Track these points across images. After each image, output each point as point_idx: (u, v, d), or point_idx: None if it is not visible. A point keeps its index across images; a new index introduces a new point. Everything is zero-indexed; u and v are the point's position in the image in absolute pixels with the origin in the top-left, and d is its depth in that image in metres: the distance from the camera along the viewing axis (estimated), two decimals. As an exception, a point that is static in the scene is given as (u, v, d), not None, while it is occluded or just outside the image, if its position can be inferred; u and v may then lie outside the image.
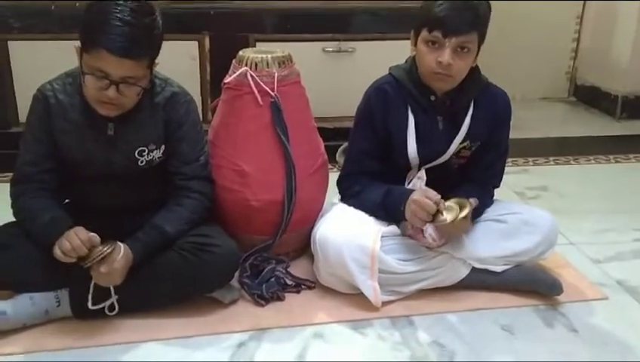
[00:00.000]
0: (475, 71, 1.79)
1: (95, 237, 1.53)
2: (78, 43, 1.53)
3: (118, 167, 1.68)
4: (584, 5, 3.90)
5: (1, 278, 1.62)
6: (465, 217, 1.66)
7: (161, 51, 1.61)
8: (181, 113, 1.71)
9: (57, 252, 1.51)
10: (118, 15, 1.47)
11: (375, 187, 1.81)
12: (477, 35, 1.68)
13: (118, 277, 1.54)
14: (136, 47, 1.49)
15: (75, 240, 1.50)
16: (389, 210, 1.77)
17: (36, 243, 1.59)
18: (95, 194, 1.73)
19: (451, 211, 1.66)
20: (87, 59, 1.51)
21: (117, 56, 1.47)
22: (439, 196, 1.67)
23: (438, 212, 1.65)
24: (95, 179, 1.69)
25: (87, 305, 1.58)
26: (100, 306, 1.60)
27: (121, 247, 1.55)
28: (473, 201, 1.71)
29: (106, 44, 1.47)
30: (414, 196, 1.68)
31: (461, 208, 1.68)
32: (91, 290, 1.57)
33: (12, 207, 1.67)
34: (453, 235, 1.77)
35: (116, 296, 1.60)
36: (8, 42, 2.62)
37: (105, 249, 1.51)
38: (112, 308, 1.61)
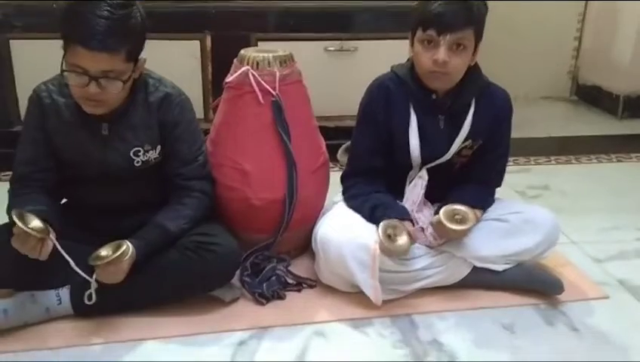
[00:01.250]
0: (475, 70, 1.78)
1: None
2: None
3: (114, 167, 1.68)
4: (586, 5, 3.90)
5: (2, 276, 1.61)
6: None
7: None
8: (175, 113, 1.70)
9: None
10: (93, 10, 1.46)
11: (364, 200, 1.80)
12: (472, 31, 1.67)
13: (121, 275, 1.55)
14: (110, 40, 1.47)
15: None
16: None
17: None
18: (92, 194, 1.73)
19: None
20: (67, 56, 1.51)
21: (91, 50, 1.46)
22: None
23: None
24: (92, 180, 1.69)
25: (88, 303, 1.58)
26: (90, 300, 1.56)
27: (130, 247, 1.55)
28: (479, 213, 1.71)
29: (80, 38, 1.46)
30: (380, 248, 1.67)
31: (465, 220, 1.70)
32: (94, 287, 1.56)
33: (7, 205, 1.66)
34: (452, 239, 1.77)
35: (96, 285, 1.56)
36: (10, 41, 2.62)
37: (117, 253, 1.51)
38: (90, 297, 1.57)
